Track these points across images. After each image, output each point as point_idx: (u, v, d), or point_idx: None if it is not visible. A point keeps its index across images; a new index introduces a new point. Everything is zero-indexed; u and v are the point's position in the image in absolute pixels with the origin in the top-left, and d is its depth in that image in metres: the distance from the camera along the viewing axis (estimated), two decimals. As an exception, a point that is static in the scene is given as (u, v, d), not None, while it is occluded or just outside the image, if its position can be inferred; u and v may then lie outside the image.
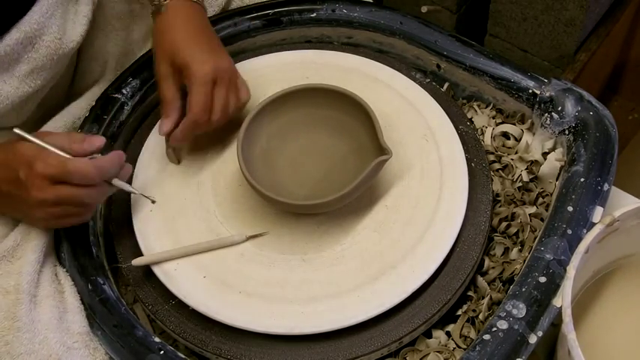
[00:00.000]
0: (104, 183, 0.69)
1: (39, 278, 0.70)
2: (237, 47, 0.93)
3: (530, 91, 0.83)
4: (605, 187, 0.74)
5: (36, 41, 0.76)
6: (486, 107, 0.88)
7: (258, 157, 0.76)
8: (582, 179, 0.74)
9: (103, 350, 0.67)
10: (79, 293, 0.70)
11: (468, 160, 0.79)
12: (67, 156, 0.66)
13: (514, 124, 0.86)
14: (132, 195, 0.77)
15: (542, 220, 0.78)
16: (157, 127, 0.79)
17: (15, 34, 0.74)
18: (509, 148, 0.85)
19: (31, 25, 0.75)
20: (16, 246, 0.71)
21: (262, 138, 0.77)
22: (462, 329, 0.72)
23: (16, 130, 0.66)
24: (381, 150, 0.71)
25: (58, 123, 0.84)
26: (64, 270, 0.72)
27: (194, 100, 0.73)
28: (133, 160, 0.81)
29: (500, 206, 0.80)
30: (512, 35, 1.17)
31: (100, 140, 0.70)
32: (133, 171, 0.79)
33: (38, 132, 0.70)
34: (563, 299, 0.65)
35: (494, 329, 0.65)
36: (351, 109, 0.76)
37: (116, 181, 0.70)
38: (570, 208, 0.72)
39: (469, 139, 0.82)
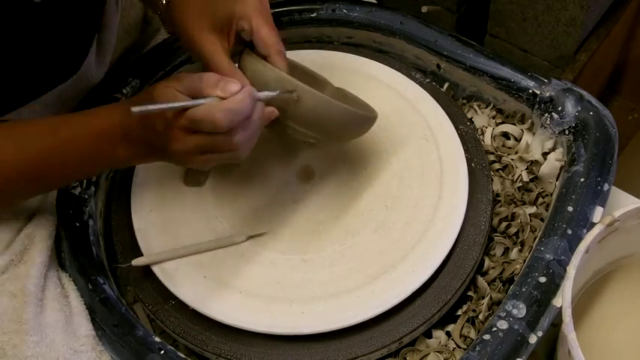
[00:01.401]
0: (244, 120, 0.61)
1: (45, 282, 0.70)
2: (238, 47, 0.93)
3: (530, 91, 0.83)
4: (605, 187, 0.74)
5: (68, 87, 0.77)
6: (486, 107, 0.88)
7: None
8: (582, 179, 0.74)
9: (108, 353, 0.67)
10: (79, 293, 0.70)
11: (468, 160, 0.79)
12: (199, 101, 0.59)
13: (514, 124, 0.86)
14: (133, 185, 0.76)
15: (542, 220, 0.78)
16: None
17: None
18: (509, 148, 0.85)
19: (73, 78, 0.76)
20: (23, 249, 0.71)
21: None
22: (462, 329, 0.72)
23: (134, 109, 0.57)
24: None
25: None
26: (67, 274, 0.72)
27: (267, 32, 0.67)
28: (133, 160, 0.81)
29: (500, 206, 0.80)
30: (512, 35, 1.16)
31: (236, 86, 0.60)
32: (133, 171, 0.80)
33: (170, 78, 0.63)
34: (563, 299, 0.65)
35: (495, 329, 0.65)
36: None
37: (260, 95, 0.62)
38: (570, 208, 0.72)
39: (469, 139, 0.82)
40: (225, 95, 0.59)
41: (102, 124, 0.64)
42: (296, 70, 0.74)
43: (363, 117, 0.70)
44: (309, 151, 0.80)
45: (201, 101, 0.59)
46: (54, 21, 0.70)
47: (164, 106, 0.59)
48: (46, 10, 0.67)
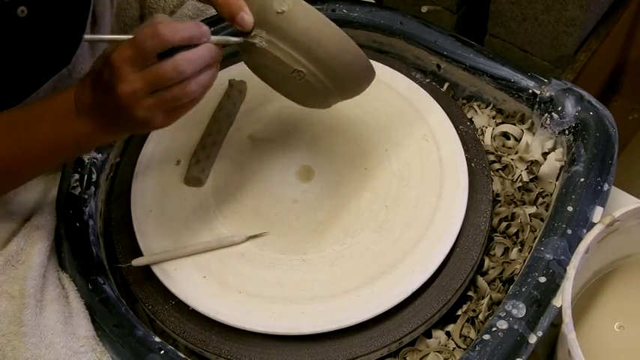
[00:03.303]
0: (199, 47, 0.57)
1: (44, 283, 0.70)
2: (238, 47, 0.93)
3: (530, 91, 0.83)
4: (605, 187, 0.74)
5: (65, 77, 0.76)
6: (486, 107, 0.88)
7: None
8: (582, 179, 0.74)
9: (109, 355, 0.67)
10: (79, 293, 0.70)
11: (468, 160, 0.79)
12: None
13: (514, 124, 0.86)
14: (133, 185, 0.76)
15: (542, 220, 0.78)
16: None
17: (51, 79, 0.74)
18: (509, 148, 0.85)
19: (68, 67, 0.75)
20: (20, 250, 0.71)
21: None
22: (461, 329, 0.72)
23: (86, 37, 0.57)
24: None
25: None
26: (67, 275, 0.72)
27: None
28: (133, 160, 0.81)
29: (500, 206, 0.80)
30: (512, 35, 1.17)
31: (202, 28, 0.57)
32: (133, 171, 0.80)
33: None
34: (563, 299, 0.65)
35: (494, 329, 0.65)
36: None
37: (213, 38, 0.59)
38: (570, 208, 0.72)
39: (469, 139, 0.82)
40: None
41: (57, 103, 0.63)
42: None
43: (362, 56, 0.64)
44: (309, 151, 0.80)
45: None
46: (39, 22, 0.69)
47: (116, 37, 0.58)
48: (32, 17, 0.67)
